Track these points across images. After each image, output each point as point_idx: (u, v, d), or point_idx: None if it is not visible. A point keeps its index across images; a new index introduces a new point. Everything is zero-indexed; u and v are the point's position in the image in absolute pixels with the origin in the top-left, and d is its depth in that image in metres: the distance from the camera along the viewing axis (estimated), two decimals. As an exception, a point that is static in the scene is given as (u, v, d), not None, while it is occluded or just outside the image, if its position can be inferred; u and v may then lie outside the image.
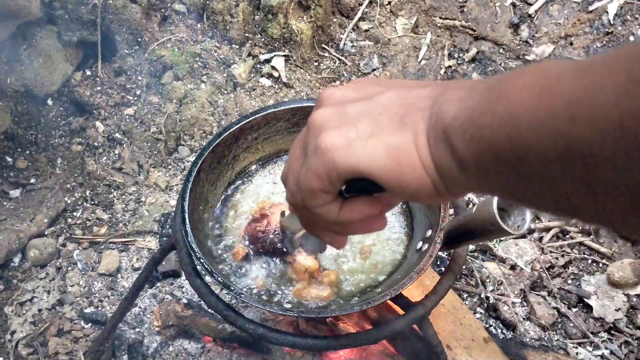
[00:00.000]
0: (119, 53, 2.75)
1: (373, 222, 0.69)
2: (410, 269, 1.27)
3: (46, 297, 2.17)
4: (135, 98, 2.73)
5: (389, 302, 1.25)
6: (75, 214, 2.46)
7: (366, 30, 2.94)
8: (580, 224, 2.39)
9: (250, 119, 1.51)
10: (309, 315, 1.21)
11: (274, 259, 1.38)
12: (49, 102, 2.68)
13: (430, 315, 1.29)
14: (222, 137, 1.46)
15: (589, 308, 2.16)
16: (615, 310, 2.13)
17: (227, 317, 1.24)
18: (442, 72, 2.87)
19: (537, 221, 2.42)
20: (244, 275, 1.37)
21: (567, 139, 0.37)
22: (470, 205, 1.36)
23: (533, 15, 2.86)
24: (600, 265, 2.28)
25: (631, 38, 2.70)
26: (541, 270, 2.26)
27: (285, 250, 1.34)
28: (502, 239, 2.34)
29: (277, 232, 1.35)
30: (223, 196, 1.56)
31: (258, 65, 2.83)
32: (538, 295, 2.19)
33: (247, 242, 1.40)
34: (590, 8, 2.78)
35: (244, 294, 1.22)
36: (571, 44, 2.78)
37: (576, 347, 2.05)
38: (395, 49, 2.91)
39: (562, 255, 2.31)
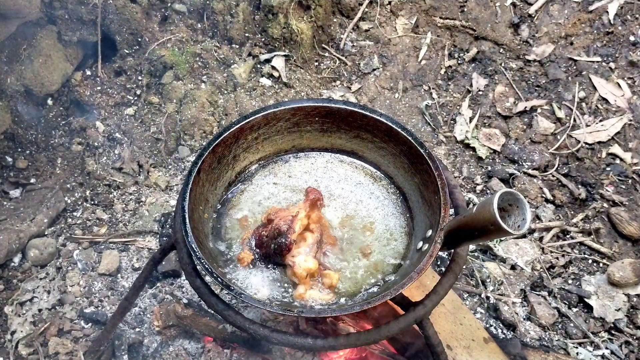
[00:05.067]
0: (119, 53, 2.75)
1: None
2: (410, 268, 1.27)
3: (46, 297, 2.17)
4: (135, 98, 2.73)
5: (389, 302, 1.25)
6: (75, 214, 2.46)
7: (366, 30, 2.94)
8: (581, 224, 2.40)
9: (250, 119, 1.51)
10: (309, 315, 1.21)
11: (277, 262, 1.38)
12: (49, 102, 2.68)
13: (431, 315, 1.29)
14: (222, 137, 1.46)
15: (589, 308, 2.16)
16: (616, 310, 2.13)
17: (227, 317, 1.24)
18: (442, 71, 2.87)
19: (537, 221, 2.42)
20: (247, 279, 1.37)
21: None
22: (471, 205, 1.36)
23: (533, 15, 2.86)
24: (601, 265, 2.28)
25: (631, 38, 2.70)
26: (541, 270, 2.26)
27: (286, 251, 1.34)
28: (502, 239, 2.34)
29: (280, 235, 1.34)
30: (223, 196, 1.56)
31: (258, 65, 2.83)
32: (538, 295, 2.19)
33: (253, 246, 1.40)
34: (591, 8, 2.78)
35: (244, 294, 1.22)
36: (571, 43, 2.78)
37: (576, 347, 2.05)
38: (395, 48, 2.91)
39: (563, 255, 2.31)
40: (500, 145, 2.65)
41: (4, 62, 2.45)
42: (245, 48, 2.83)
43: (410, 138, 1.45)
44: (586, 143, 2.57)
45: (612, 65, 2.70)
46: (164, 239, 2.33)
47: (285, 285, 1.36)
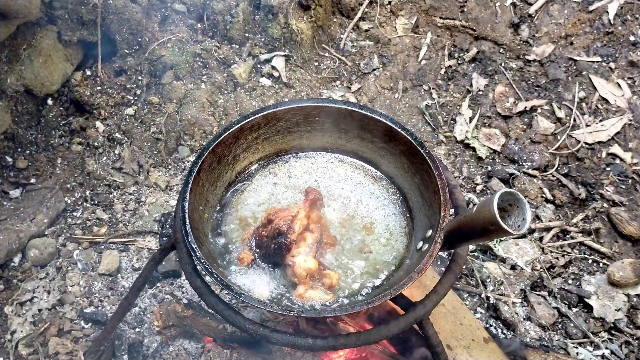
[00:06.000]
0: (119, 53, 2.75)
1: None
2: (410, 268, 1.27)
3: (46, 297, 2.17)
4: (135, 98, 2.73)
5: (389, 302, 1.25)
6: (75, 214, 2.46)
7: (366, 30, 2.94)
8: (581, 224, 2.39)
9: (250, 119, 1.51)
10: (309, 315, 1.21)
11: (277, 262, 1.38)
12: (49, 102, 2.68)
13: (431, 315, 1.29)
14: (222, 137, 1.46)
15: (589, 308, 2.16)
16: (616, 310, 2.13)
17: (227, 317, 1.24)
18: (442, 71, 2.87)
19: (537, 221, 2.42)
20: (248, 279, 1.37)
21: None
22: (471, 206, 1.36)
23: (533, 15, 2.86)
24: (601, 265, 2.28)
25: (631, 38, 2.70)
26: (541, 270, 2.26)
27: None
28: (502, 239, 2.34)
29: (280, 235, 1.34)
30: (223, 196, 1.56)
31: (258, 65, 2.83)
32: (538, 295, 2.19)
33: (253, 246, 1.40)
34: (591, 8, 2.78)
35: (244, 294, 1.22)
36: (571, 43, 2.78)
37: (576, 347, 2.05)
38: (395, 48, 2.91)
39: (563, 255, 2.31)
40: (500, 145, 2.65)
41: (4, 62, 2.45)
42: (245, 48, 2.83)
43: (410, 138, 1.45)
44: (586, 143, 2.57)
45: (612, 65, 2.70)
46: (164, 239, 2.33)
47: (285, 285, 1.36)
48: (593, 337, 2.07)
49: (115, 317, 1.77)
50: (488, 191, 2.53)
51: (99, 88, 2.70)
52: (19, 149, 2.57)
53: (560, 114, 2.65)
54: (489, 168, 2.60)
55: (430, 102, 2.81)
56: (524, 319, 2.13)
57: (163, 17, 2.79)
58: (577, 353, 2.03)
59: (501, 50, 2.85)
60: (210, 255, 1.38)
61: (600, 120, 2.60)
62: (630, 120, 2.57)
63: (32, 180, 2.51)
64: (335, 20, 2.96)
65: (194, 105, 2.64)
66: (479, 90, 2.80)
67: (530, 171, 2.56)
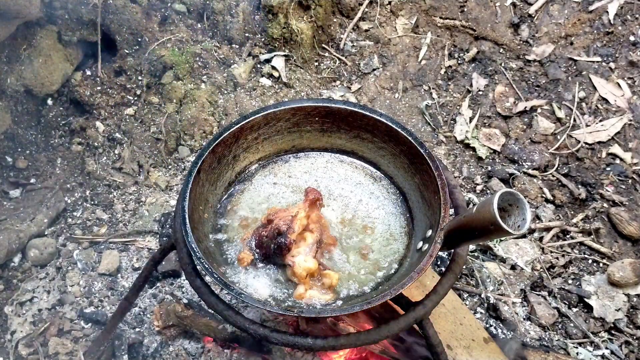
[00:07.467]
0: (119, 53, 2.75)
1: None
2: (411, 268, 1.27)
3: (46, 297, 2.17)
4: (135, 98, 2.73)
5: (389, 302, 1.25)
6: (75, 214, 2.46)
7: (366, 30, 2.94)
8: (581, 224, 2.40)
9: (250, 119, 1.51)
10: (309, 315, 1.21)
11: (277, 263, 1.38)
12: (49, 102, 2.68)
13: (431, 315, 1.29)
14: (222, 137, 1.46)
15: (589, 308, 2.16)
16: (616, 310, 2.13)
17: (227, 317, 1.24)
18: (442, 71, 2.87)
19: (537, 221, 2.42)
20: (247, 279, 1.37)
21: None
22: (471, 205, 1.36)
23: (533, 15, 2.86)
24: (601, 265, 2.28)
25: (631, 38, 2.70)
26: (541, 270, 2.26)
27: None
28: (502, 239, 2.34)
29: (280, 235, 1.34)
30: (223, 196, 1.56)
31: (258, 65, 2.83)
32: (538, 295, 2.19)
33: (253, 246, 1.39)
34: (591, 8, 2.78)
35: (244, 294, 1.22)
36: (571, 43, 2.78)
37: (576, 347, 2.05)
38: (395, 48, 2.91)
39: (563, 255, 2.31)
40: (500, 145, 2.65)
41: (4, 62, 2.45)
42: (245, 48, 2.83)
43: (410, 138, 1.45)
44: (586, 143, 2.57)
45: (612, 65, 2.70)
46: (164, 239, 2.34)
47: (285, 285, 1.36)
48: (593, 337, 2.07)
49: (115, 317, 1.78)
50: (488, 191, 2.53)
51: (99, 88, 2.70)
52: (19, 149, 2.57)
53: (560, 114, 2.65)
54: (489, 168, 2.60)
55: (430, 102, 2.81)
56: (524, 319, 2.13)
57: (163, 17, 2.79)
58: (577, 353, 2.03)
59: (501, 50, 2.85)
60: (210, 255, 1.37)
61: (600, 120, 2.60)
62: (630, 120, 2.57)
63: (32, 180, 2.51)
64: (335, 20, 2.96)
65: (194, 105, 2.64)
66: (479, 90, 2.80)
67: (530, 171, 2.56)
